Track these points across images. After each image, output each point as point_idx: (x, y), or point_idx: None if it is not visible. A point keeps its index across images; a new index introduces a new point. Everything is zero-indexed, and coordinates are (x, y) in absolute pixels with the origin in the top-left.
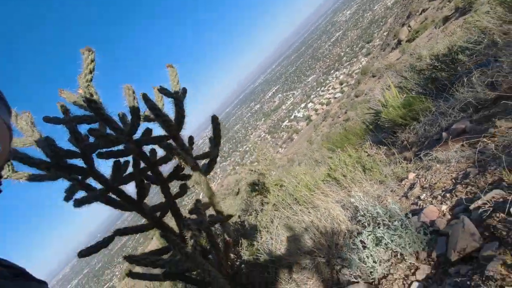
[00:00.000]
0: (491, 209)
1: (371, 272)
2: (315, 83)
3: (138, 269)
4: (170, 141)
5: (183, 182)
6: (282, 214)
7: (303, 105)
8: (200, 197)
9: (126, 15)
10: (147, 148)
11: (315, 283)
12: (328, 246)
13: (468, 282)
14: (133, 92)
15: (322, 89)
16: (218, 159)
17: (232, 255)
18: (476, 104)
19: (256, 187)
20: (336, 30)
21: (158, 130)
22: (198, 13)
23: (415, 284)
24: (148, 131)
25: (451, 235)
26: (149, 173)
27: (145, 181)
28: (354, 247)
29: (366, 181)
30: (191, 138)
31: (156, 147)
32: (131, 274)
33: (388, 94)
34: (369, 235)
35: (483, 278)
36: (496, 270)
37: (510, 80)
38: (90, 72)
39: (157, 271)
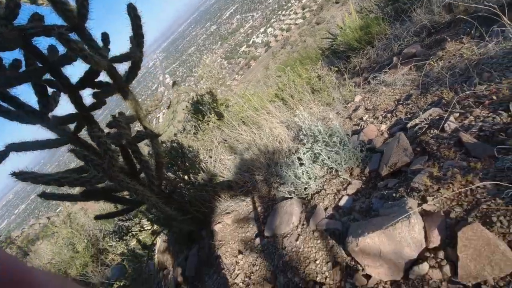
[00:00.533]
0: (426, 126)
1: (305, 188)
2: (276, 6)
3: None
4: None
5: (97, 90)
6: (224, 134)
7: (262, 29)
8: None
9: None
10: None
11: (252, 200)
12: (268, 165)
13: (394, 194)
14: None
15: (283, 13)
16: (170, 84)
17: (171, 175)
18: (431, 27)
19: (200, 107)
20: None
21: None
22: None
23: (345, 198)
24: (37, 16)
25: (385, 152)
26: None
27: (50, 88)
28: (291, 164)
29: (313, 102)
30: (105, 35)
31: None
32: (42, 195)
33: (348, 18)
34: (307, 151)
35: (408, 190)
36: (421, 182)
37: (468, 2)
38: None
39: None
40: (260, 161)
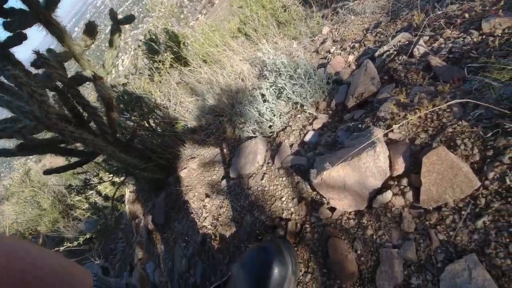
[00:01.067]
0: (395, 53)
1: (270, 126)
2: None
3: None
4: None
5: (9, 20)
6: (183, 75)
7: None
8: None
9: None
10: None
11: (217, 143)
12: (231, 105)
13: (360, 125)
14: None
15: None
16: (127, 27)
17: (129, 123)
18: None
19: (154, 46)
20: None
21: None
22: None
23: (311, 133)
24: None
25: (352, 83)
26: None
27: None
28: (254, 101)
29: (278, 36)
30: None
31: None
32: None
33: None
34: (270, 86)
35: (374, 120)
36: (387, 110)
37: None
38: None
39: None
40: (223, 101)
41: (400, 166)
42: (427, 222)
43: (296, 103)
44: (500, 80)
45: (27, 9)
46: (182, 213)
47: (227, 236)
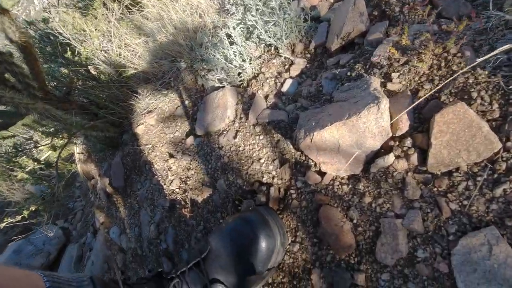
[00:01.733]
0: None
1: (239, 74)
2: None
3: None
4: None
5: None
6: (124, 10)
7: None
8: None
9: None
10: None
11: (176, 93)
12: (190, 48)
13: (349, 73)
14: None
15: None
16: None
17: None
18: None
19: None
20: None
21: None
22: None
23: (288, 81)
24: None
25: (333, 20)
26: None
27: None
28: (219, 43)
29: None
30: None
31: None
32: None
33: None
34: (238, 24)
35: (367, 66)
36: (383, 55)
37: None
38: None
39: None
40: (179, 43)
41: (403, 124)
42: (435, 189)
43: (269, 45)
44: None
45: None
46: (144, 176)
47: (199, 201)
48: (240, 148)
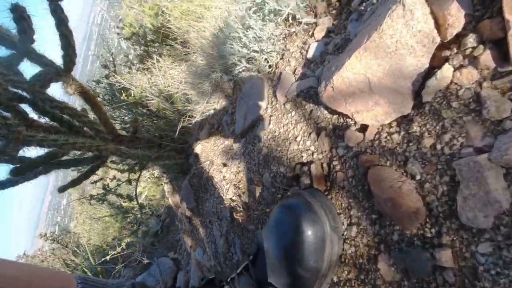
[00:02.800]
0: None
1: (265, 60)
2: None
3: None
4: None
5: None
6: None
7: None
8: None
9: None
10: None
11: (218, 104)
12: (220, 55)
13: (375, 0)
14: None
15: None
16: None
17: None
18: None
19: (139, 38)
20: None
21: None
22: None
23: (313, 45)
24: None
25: None
26: None
27: None
28: (237, 36)
29: None
30: None
31: None
32: None
33: None
34: (249, 8)
35: None
36: None
37: None
38: None
39: None
40: (211, 55)
41: (454, 17)
42: None
43: (287, 16)
44: None
45: None
46: (209, 192)
47: (251, 202)
48: (276, 133)
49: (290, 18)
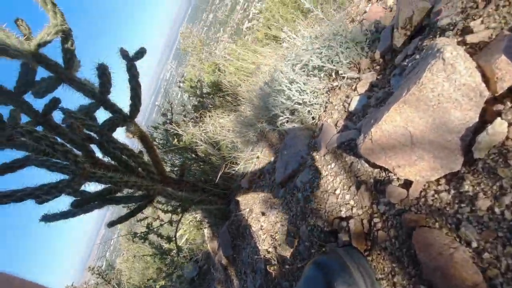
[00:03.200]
0: None
1: (309, 112)
2: None
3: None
4: None
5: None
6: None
7: None
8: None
9: None
10: None
11: (262, 153)
12: (265, 107)
13: (417, 56)
14: None
15: None
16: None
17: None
18: None
19: (196, 90)
20: None
21: None
22: None
23: (355, 98)
24: None
25: (396, 14)
26: None
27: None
28: (280, 87)
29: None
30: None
31: None
32: (44, 218)
33: None
34: (294, 65)
35: (437, 35)
36: (454, 11)
37: None
38: None
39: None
40: (257, 106)
41: (503, 71)
42: None
43: (330, 71)
44: None
45: (52, 74)
46: (246, 240)
47: (288, 256)
48: (315, 184)
49: (333, 73)
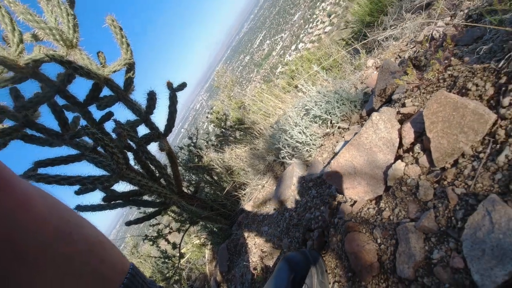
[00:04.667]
0: (421, 49)
1: (307, 150)
2: (302, 21)
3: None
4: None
5: (99, 102)
6: (241, 135)
7: (293, 47)
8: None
9: None
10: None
11: (267, 182)
12: (274, 143)
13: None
14: None
15: (310, 26)
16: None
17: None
18: None
19: (220, 122)
20: None
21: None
22: None
23: (341, 143)
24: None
25: (376, 84)
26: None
27: (62, 110)
28: (286, 127)
29: (326, 81)
30: (99, 53)
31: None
32: (77, 207)
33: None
34: (300, 111)
35: (390, 104)
36: (401, 90)
37: None
38: None
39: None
40: (269, 141)
41: (407, 132)
42: (445, 182)
43: (325, 120)
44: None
45: (112, 94)
46: (240, 256)
47: (271, 265)
48: (298, 205)
49: (329, 122)
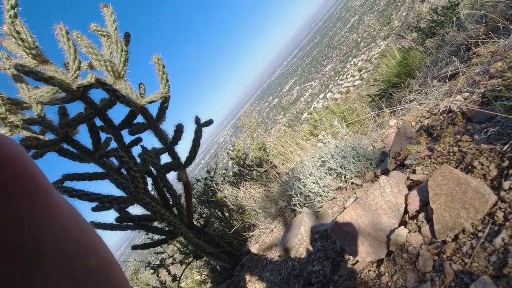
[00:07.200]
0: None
1: (318, 201)
2: (332, 73)
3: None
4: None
5: (132, 128)
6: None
7: (321, 95)
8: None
9: None
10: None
11: (279, 225)
12: (287, 190)
13: None
14: (67, 33)
15: (340, 77)
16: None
17: (207, 213)
18: (467, 43)
19: (240, 160)
20: (352, 16)
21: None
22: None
23: (352, 198)
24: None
25: (391, 147)
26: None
27: (98, 130)
28: (299, 176)
29: (347, 135)
30: (141, 85)
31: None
32: (91, 223)
33: (390, 58)
34: (316, 163)
35: (403, 169)
36: (414, 157)
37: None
38: (12, 7)
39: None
40: (285, 188)
41: (413, 200)
42: (444, 255)
43: (340, 174)
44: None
45: (145, 121)
46: None
47: None
48: (302, 256)
49: (343, 177)
